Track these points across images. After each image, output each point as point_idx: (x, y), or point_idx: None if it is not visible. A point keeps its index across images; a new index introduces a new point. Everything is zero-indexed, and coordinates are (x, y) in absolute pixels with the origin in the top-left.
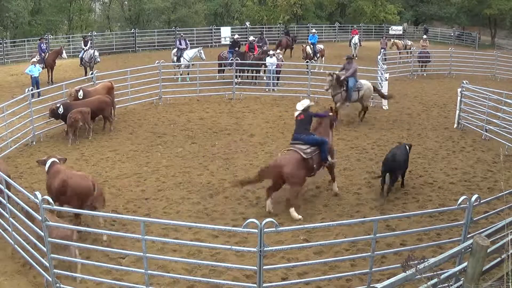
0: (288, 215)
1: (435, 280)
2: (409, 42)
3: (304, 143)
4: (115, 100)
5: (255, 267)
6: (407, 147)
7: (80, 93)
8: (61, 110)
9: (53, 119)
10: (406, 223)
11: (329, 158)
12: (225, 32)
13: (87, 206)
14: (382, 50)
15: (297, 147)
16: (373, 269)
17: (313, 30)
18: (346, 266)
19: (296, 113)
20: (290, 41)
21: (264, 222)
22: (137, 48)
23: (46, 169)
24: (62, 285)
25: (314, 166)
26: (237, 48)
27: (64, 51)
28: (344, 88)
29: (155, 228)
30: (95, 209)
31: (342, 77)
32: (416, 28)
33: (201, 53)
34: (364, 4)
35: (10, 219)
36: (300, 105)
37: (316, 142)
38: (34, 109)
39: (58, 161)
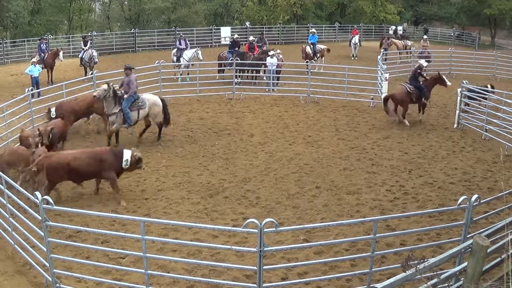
0: (288, 215)
1: (435, 280)
2: (409, 42)
3: (411, 85)
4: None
5: (255, 267)
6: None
7: (52, 112)
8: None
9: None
10: (406, 223)
11: (424, 100)
12: (225, 32)
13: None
14: (382, 50)
15: (406, 84)
16: (373, 269)
17: (313, 30)
18: (346, 266)
19: None
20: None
21: (264, 222)
22: (137, 48)
23: None
24: (62, 285)
25: (414, 99)
26: (237, 48)
27: (61, 53)
28: (120, 107)
29: (155, 228)
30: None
31: (126, 96)
32: (416, 28)
33: (198, 53)
34: (364, 4)
35: (10, 219)
36: None
37: (420, 87)
38: (34, 109)
39: None
